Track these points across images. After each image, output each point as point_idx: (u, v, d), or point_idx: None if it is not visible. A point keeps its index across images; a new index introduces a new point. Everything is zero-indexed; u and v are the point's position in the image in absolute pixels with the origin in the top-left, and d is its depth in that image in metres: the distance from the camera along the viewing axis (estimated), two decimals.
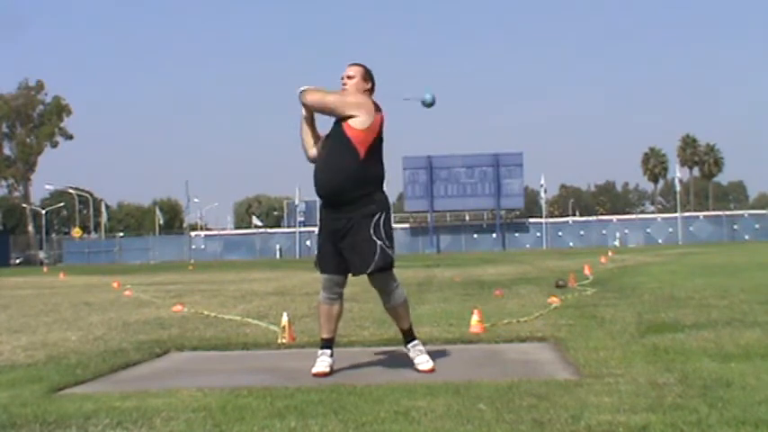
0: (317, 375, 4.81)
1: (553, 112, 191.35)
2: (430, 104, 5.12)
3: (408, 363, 5.02)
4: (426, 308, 8.94)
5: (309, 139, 5.12)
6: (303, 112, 5.11)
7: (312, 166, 5.05)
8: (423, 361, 4.94)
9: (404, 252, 58.58)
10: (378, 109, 4.91)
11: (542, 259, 28.98)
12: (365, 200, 4.81)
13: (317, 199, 5.16)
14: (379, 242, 4.78)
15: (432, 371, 4.84)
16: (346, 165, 4.78)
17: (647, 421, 3.36)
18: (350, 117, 4.83)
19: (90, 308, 11.02)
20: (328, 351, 4.98)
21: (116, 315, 9.58)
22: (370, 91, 5.02)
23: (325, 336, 5.02)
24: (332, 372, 4.89)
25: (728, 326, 6.40)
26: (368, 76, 5.03)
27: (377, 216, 4.82)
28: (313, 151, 5.10)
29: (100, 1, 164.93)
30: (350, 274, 4.97)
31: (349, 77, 4.98)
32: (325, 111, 4.97)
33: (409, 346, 5.03)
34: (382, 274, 4.86)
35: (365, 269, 4.79)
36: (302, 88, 5.04)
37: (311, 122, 5.13)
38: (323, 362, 4.92)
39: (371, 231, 4.78)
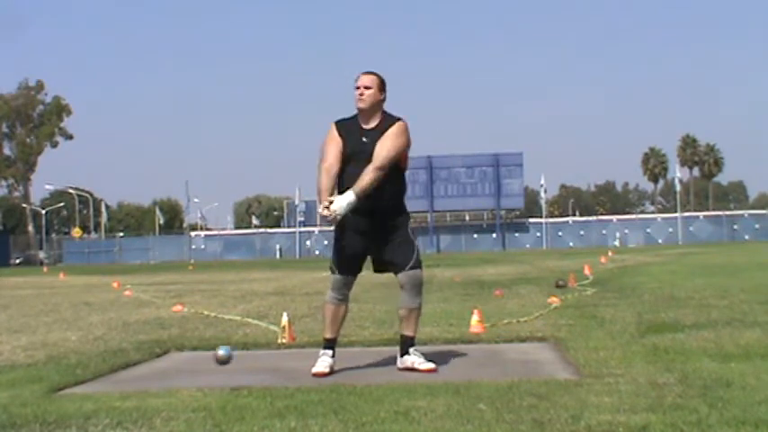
0: (316, 375, 4.81)
1: (553, 112, 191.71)
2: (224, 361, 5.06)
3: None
4: (426, 308, 8.87)
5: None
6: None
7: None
8: (423, 361, 4.93)
9: None
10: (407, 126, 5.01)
11: (542, 259, 28.99)
12: (400, 208, 5.07)
13: (317, 199, 5.15)
14: (415, 242, 5.07)
15: (432, 371, 4.84)
16: (393, 181, 4.94)
17: (647, 421, 3.36)
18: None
19: (90, 308, 11.02)
20: (330, 351, 4.98)
21: (116, 315, 9.57)
22: (383, 101, 4.99)
23: (328, 336, 5.02)
24: (332, 372, 4.88)
25: (728, 326, 6.40)
26: (383, 86, 4.98)
27: (409, 221, 5.12)
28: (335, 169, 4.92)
29: (100, 1, 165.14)
30: (360, 274, 5.07)
31: (366, 88, 4.90)
32: (385, 173, 4.85)
33: (411, 350, 5.00)
34: (419, 272, 4.99)
35: (406, 265, 4.93)
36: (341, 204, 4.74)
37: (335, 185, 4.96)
38: (324, 362, 4.92)
39: (409, 232, 5.05)
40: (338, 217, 4.73)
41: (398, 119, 4.96)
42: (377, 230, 4.93)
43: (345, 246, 4.99)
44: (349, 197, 4.73)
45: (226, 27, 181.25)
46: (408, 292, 4.98)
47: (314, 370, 4.86)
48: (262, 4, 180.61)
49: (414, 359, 4.96)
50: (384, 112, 4.97)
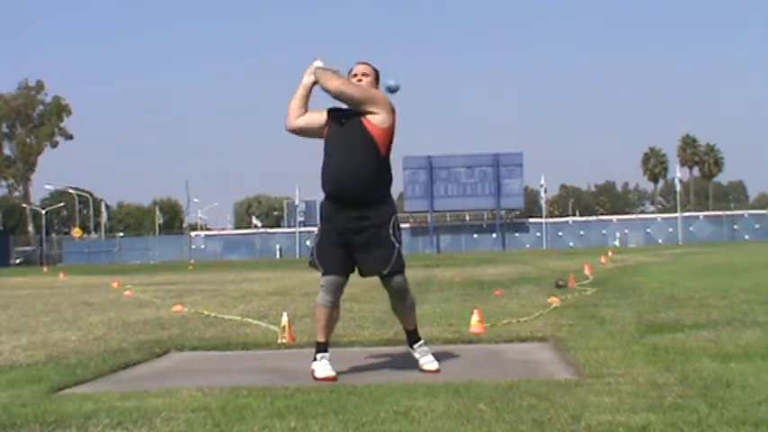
0: (327, 380, 4.63)
1: (553, 112, 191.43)
2: (394, 90, 4.86)
3: (408, 363, 5.02)
4: (426, 308, 8.93)
5: (298, 110, 4.92)
6: (308, 80, 4.90)
7: (293, 138, 4.93)
8: (428, 361, 4.91)
9: (404, 252, 58.36)
10: (393, 110, 4.83)
11: (542, 259, 28.97)
12: (383, 201, 4.80)
13: (317, 198, 5.13)
14: (397, 244, 4.77)
15: (437, 371, 4.82)
16: (370, 164, 4.69)
17: (647, 421, 3.36)
18: (370, 113, 4.72)
19: (90, 308, 11.02)
20: (328, 354, 4.85)
21: (116, 315, 9.57)
22: None
23: (323, 339, 4.84)
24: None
25: (728, 326, 6.40)
26: (377, 78, 4.90)
27: (393, 218, 4.82)
28: (298, 123, 4.92)
29: (100, 1, 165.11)
30: (352, 275, 4.92)
31: (364, 74, 4.84)
32: (345, 99, 4.75)
33: (415, 346, 5.00)
34: (400, 277, 4.80)
35: (381, 270, 4.73)
36: (319, 65, 4.86)
37: (308, 94, 4.95)
38: (328, 365, 4.76)
39: (390, 232, 4.76)
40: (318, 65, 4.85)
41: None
42: (355, 227, 4.69)
43: (324, 242, 4.80)
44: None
45: (226, 27, 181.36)
46: (393, 297, 4.92)
47: (323, 374, 4.68)
48: (262, 4, 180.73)
49: (419, 356, 4.95)
50: None
